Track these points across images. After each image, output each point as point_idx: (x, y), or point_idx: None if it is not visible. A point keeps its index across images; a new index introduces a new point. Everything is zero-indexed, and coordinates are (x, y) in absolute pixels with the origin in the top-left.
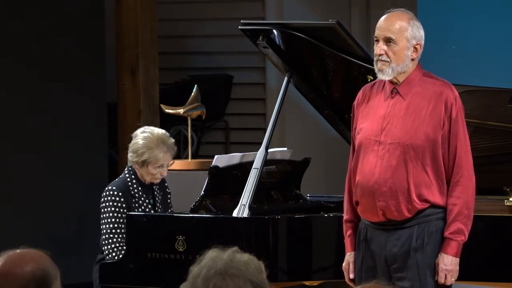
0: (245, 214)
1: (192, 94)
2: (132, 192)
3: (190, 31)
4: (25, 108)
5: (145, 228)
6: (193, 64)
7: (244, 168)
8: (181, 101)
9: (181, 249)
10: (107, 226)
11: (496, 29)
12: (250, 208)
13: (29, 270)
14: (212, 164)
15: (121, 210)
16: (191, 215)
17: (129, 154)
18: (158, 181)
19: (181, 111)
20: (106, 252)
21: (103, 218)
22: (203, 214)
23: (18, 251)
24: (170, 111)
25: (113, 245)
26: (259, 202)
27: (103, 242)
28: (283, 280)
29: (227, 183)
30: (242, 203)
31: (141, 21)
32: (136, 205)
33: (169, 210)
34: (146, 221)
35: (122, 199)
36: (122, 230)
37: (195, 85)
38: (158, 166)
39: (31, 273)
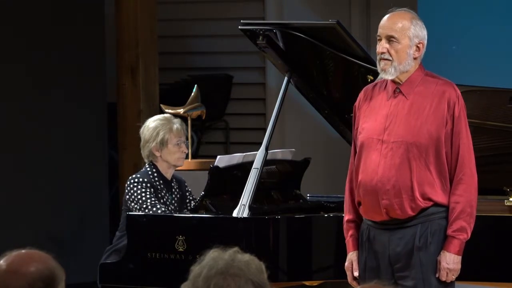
0: (245, 214)
1: (192, 94)
2: (155, 184)
3: (190, 31)
4: (25, 108)
5: (145, 228)
6: (193, 64)
7: (244, 168)
8: (181, 101)
9: (181, 249)
10: (140, 200)
11: (496, 29)
12: (250, 208)
13: (37, 269)
14: (214, 164)
15: (151, 190)
16: (191, 215)
17: (146, 146)
18: (182, 161)
19: (181, 111)
20: (147, 210)
21: (132, 201)
22: (203, 214)
23: (24, 250)
24: (170, 111)
25: (148, 201)
26: (259, 202)
27: (142, 211)
28: (283, 280)
29: (227, 183)
30: (242, 203)
31: (141, 21)
32: (159, 195)
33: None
34: (146, 221)
35: (148, 184)
36: (153, 200)
37: (195, 85)
38: (177, 143)
39: (39, 272)
